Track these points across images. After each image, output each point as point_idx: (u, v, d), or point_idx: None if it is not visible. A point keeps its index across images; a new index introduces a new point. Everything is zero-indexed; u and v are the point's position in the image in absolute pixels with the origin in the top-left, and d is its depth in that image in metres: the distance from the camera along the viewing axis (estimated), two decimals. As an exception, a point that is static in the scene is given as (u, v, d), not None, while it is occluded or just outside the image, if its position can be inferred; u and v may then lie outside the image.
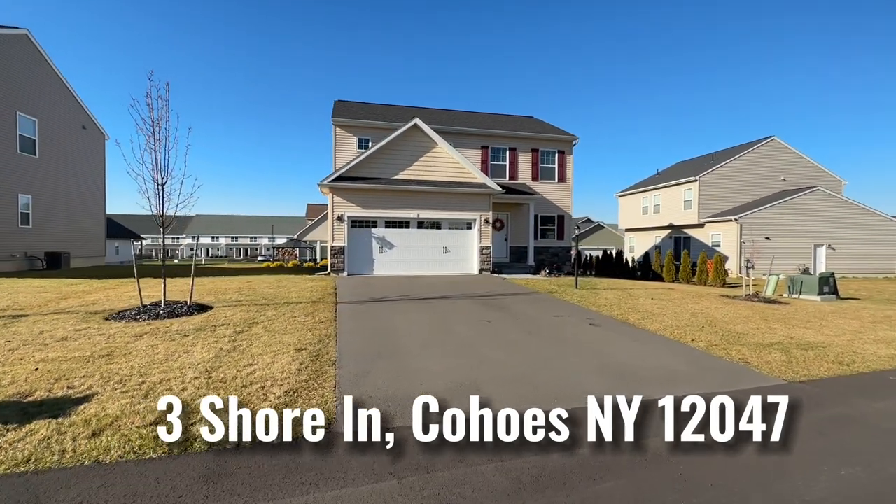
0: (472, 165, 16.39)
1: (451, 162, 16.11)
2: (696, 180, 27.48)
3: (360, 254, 15.39)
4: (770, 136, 28.63)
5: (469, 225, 16.42)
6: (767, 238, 24.87)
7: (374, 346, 6.08)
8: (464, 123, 19.62)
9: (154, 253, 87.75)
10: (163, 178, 7.88)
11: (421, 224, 15.97)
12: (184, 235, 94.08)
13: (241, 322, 7.04)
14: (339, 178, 14.92)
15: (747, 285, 13.52)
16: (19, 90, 16.53)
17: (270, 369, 4.86)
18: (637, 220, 34.14)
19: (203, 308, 8.09)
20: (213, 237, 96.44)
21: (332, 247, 15.03)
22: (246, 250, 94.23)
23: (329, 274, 15.08)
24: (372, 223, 15.54)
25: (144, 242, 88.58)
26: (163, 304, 7.84)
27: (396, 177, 15.63)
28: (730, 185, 27.73)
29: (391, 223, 15.70)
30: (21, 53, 16.76)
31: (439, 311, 8.76)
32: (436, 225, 16.13)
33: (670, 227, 30.41)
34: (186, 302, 8.11)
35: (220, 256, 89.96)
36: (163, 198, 7.92)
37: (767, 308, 11.05)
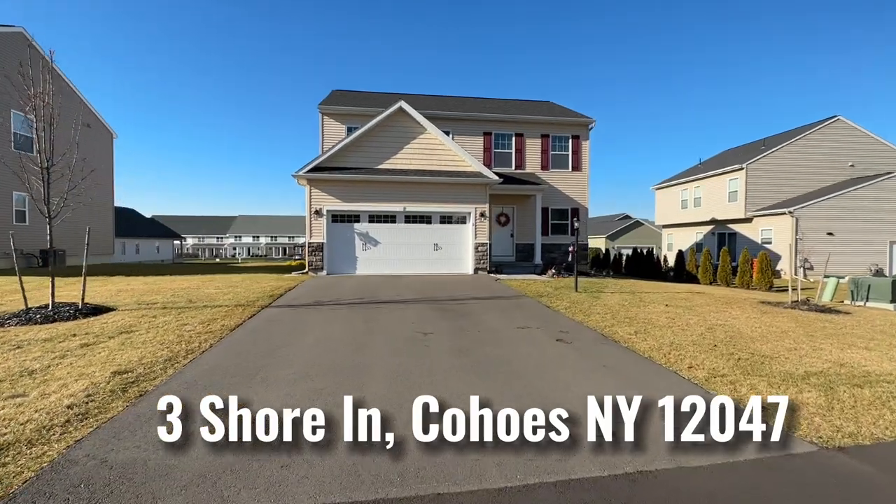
0: (465, 153, 14.66)
1: (441, 149, 14.46)
2: (742, 168, 24.15)
3: (342, 251, 14.08)
4: (835, 116, 24.71)
5: (463, 219, 14.70)
6: (830, 234, 21.33)
7: (234, 368, 4.61)
8: (464, 108, 17.88)
9: (199, 252, 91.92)
10: (47, 162, 6.83)
11: (408, 218, 14.43)
12: (227, 235, 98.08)
13: (112, 331, 5.81)
14: (316, 169, 13.67)
15: (794, 289, 10.97)
16: (14, 88, 16.52)
17: (34, 405, 3.50)
18: (675, 215, 30.88)
19: (98, 311, 6.97)
20: (253, 237, 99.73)
21: (310, 244, 13.81)
22: (284, 249, 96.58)
23: (307, 273, 13.88)
24: (354, 217, 14.19)
25: (191, 242, 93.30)
26: (51, 307, 6.80)
27: (380, 166, 14.19)
28: (784, 174, 24.16)
29: (375, 217, 14.28)
30: (16, 51, 16.81)
31: (379, 321, 7.19)
32: (425, 219, 14.55)
33: (713, 222, 27.11)
34: (77, 305, 7.04)
35: (260, 255, 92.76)
36: (48, 183, 6.88)
37: (818, 319, 8.61)
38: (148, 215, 67.82)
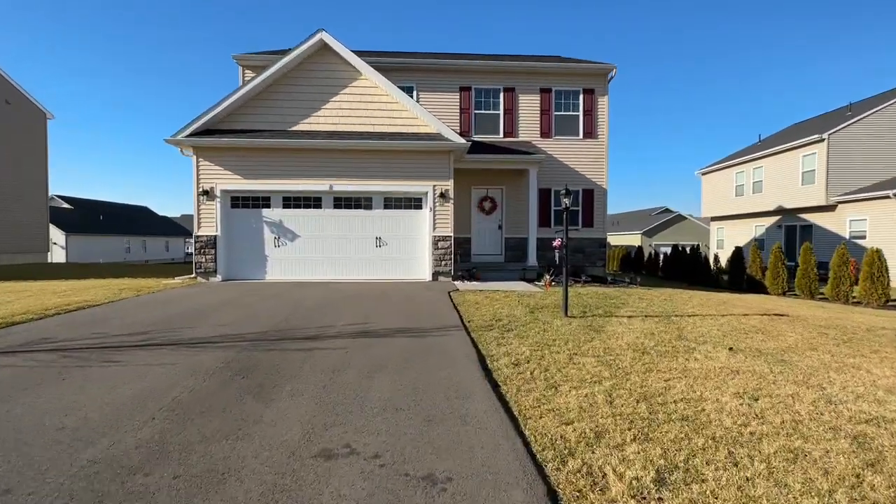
0: (419, 107, 10.28)
1: (384, 102, 10.14)
2: (822, 140, 18.34)
3: (246, 248, 10.05)
4: (953, 68, 18.42)
5: (417, 202, 10.33)
6: (956, 224, 15.37)
7: None
8: (435, 58, 13.41)
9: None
10: None
11: (339, 202, 10.22)
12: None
13: None
14: (205, 132, 9.70)
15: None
16: None
17: None
18: (728, 204, 25.06)
19: None
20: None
21: (198, 238, 9.84)
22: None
23: (194, 277, 9.94)
24: (263, 201, 10.13)
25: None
26: None
27: (297, 128, 10.05)
28: (880, 145, 18.16)
29: (293, 201, 10.16)
30: None
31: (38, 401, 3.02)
32: (363, 203, 10.29)
33: (779, 211, 21.28)
34: None
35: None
36: None
37: None
38: (177, 215, 66.92)
